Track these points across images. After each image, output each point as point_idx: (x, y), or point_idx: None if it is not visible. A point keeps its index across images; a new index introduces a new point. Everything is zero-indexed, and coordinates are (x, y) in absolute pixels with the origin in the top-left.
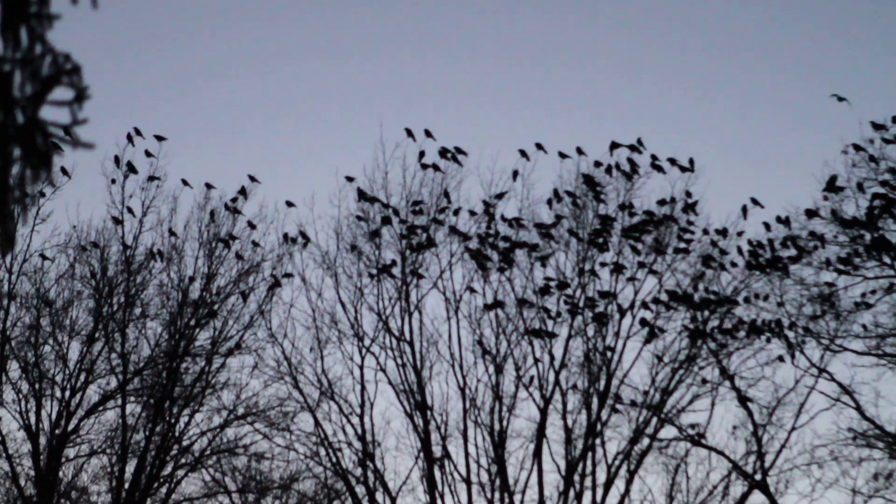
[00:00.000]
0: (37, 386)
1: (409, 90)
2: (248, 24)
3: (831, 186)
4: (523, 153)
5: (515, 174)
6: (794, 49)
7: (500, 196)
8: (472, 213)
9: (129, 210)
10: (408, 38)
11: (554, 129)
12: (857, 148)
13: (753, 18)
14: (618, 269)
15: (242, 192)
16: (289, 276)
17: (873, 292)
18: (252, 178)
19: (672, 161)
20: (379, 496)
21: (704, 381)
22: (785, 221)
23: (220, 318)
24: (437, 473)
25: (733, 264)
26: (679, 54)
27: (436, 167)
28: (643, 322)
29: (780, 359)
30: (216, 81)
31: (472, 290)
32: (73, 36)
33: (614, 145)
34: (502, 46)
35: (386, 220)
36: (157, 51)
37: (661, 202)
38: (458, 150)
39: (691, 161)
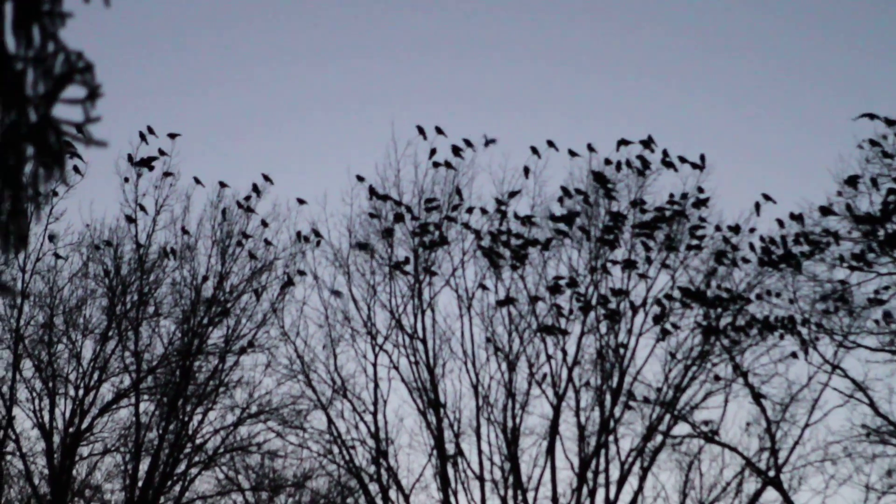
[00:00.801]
0: (50, 384)
1: (421, 89)
2: (260, 24)
3: (852, 184)
4: (535, 150)
5: (527, 171)
6: (806, 46)
7: (512, 195)
8: (484, 210)
9: (143, 208)
10: (419, 38)
11: (565, 128)
12: (872, 143)
13: (764, 16)
14: (629, 265)
15: (255, 190)
16: (302, 273)
17: (886, 288)
18: (266, 178)
19: (682, 159)
20: (392, 494)
21: (717, 378)
22: (798, 218)
23: (233, 317)
24: (451, 471)
25: (745, 260)
26: (689, 54)
27: (448, 164)
28: (656, 319)
29: (794, 355)
30: (229, 80)
31: (485, 288)
32: (85, 34)
33: (623, 142)
34: (514, 46)
35: (399, 218)
36: (170, 49)
37: (671, 201)
38: (468, 143)
39: (702, 157)
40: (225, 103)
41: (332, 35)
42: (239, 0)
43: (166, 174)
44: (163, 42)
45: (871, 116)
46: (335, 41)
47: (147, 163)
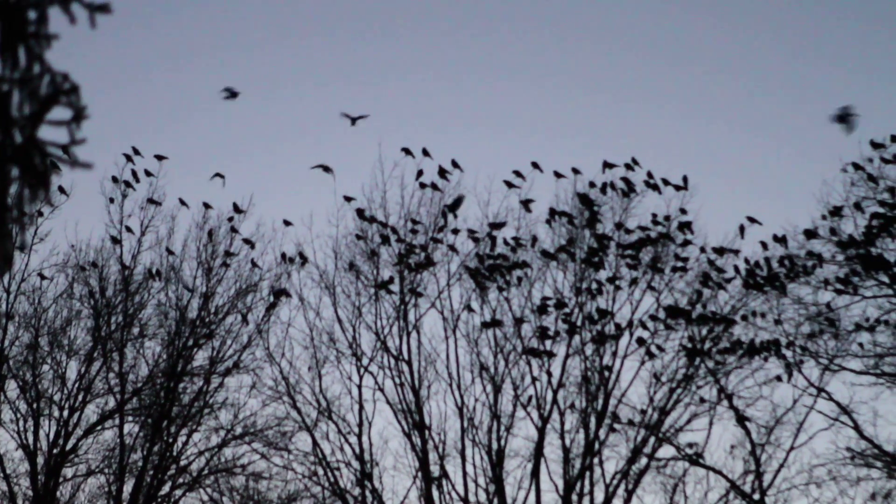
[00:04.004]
0: (35, 405)
1: (408, 111)
2: (246, 47)
3: (835, 214)
4: (518, 174)
5: (509, 185)
6: (791, 68)
7: (497, 226)
8: (472, 231)
9: (128, 229)
10: (406, 61)
11: (550, 151)
12: (857, 167)
13: (749, 38)
14: (612, 280)
15: (237, 209)
16: (286, 294)
17: (878, 321)
18: (237, 209)
19: (665, 181)
20: None
21: (702, 401)
22: (782, 240)
23: (217, 338)
24: (435, 493)
25: (728, 280)
26: (674, 75)
27: (434, 186)
28: (640, 341)
29: (779, 378)
30: (216, 102)
31: (471, 310)
32: (71, 56)
33: (607, 165)
34: (501, 68)
35: (385, 240)
36: (157, 71)
37: (655, 220)
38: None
39: (685, 179)
40: (211, 125)
41: (318, 57)
42: (226, 24)
43: (151, 200)
44: (150, 64)
45: (857, 167)
46: (322, 64)
47: (134, 179)
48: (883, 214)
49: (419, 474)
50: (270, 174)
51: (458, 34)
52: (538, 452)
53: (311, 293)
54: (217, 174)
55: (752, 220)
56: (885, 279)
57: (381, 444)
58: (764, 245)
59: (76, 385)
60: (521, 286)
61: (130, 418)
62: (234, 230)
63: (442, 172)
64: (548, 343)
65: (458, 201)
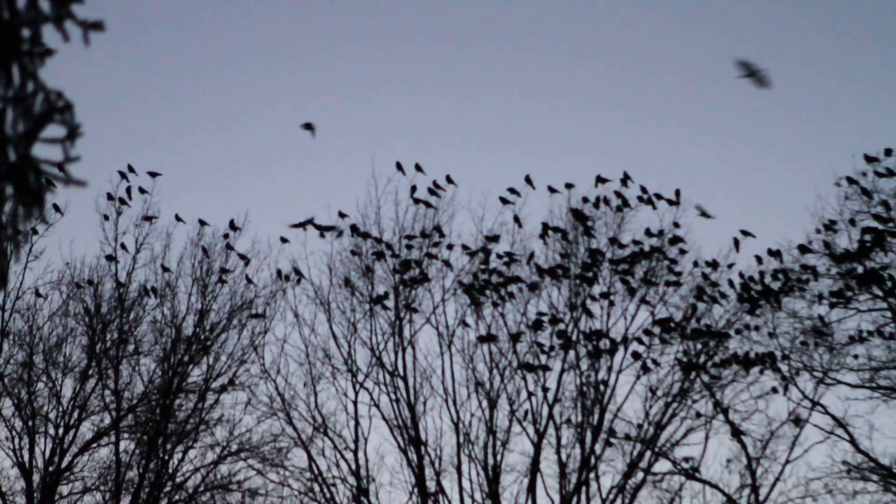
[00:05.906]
0: (30, 423)
1: (401, 127)
2: (241, 64)
3: (829, 228)
4: (513, 191)
5: (504, 201)
6: (785, 81)
7: (492, 238)
8: (466, 247)
9: (123, 247)
10: (399, 76)
11: (544, 166)
12: (851, 181)
13: (743, 51)
14: (605, 296)
15: (232, 226)
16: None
17: (871, 333)
18: (233, 226)
19: (658, 196)
20: None
21: (698, 415)
22: (776, 254)
23: (212, 355)
24: None
25: (723, 294)
26: (667, 90)
27: (427, 204)
28: (635, 355)
29: (774, 390)
30: (210, 119)
31: (466, 325)
32: (65, 74)
33: (601, 179)
34: (494, 82)
35: (379, 255)
36: (151, 89)
37: (648, 233)
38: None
39: (677, 193)
40: (206, 143)
41: (313, 74)
42: (220, 41)
43: (146, 217)
44: (144, 82)
45: (851, 181)
46: (316, 79)
47: (127, 198)
48: (876, 228)
49: (415, 490)
50: (265, 191)
51: (453, 49)
52: (534, 467)
53: (306, 309)
54: (307, 124)
55: (746, 233)
56: (880, 293)
57: (377, 460)
58: (759, 259)
59: (71, 402)
60: (515, 301)
61: (126, 435)
62: (229, 247)
63: (433, 191)
64: (543, 358)
65: None
